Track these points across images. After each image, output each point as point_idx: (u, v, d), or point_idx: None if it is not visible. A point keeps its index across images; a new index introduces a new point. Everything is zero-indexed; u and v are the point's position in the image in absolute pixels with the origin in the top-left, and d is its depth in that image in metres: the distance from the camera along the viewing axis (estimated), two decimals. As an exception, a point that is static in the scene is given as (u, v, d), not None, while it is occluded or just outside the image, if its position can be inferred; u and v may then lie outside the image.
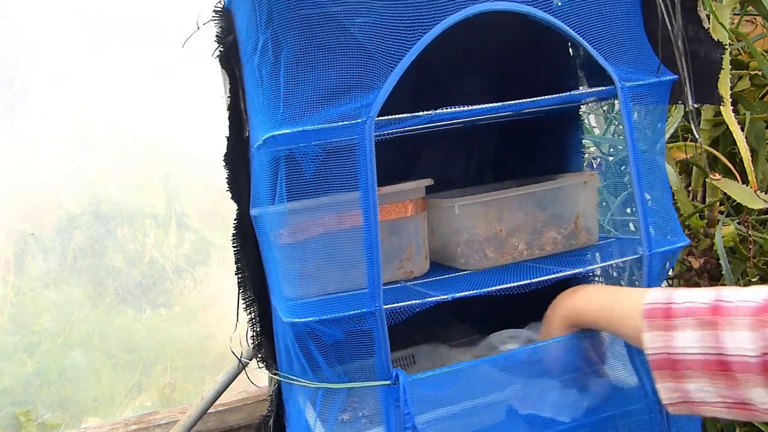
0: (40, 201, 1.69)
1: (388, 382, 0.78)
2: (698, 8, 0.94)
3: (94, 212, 1.75)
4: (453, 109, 0.81)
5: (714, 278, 1.40)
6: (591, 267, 0.98)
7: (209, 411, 1.42)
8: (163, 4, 1.70)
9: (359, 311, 0.77)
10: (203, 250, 1.90)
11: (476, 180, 1.36)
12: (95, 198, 1.75)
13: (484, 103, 0.83)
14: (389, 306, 0.78)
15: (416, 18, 0.77)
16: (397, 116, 0.79)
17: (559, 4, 0.84)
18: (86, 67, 1.71)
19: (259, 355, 1.10)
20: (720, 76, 0.97)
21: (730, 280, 1.18)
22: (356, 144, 0.75)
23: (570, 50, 1.16)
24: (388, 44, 0.76)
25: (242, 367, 1.27)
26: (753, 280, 1.33)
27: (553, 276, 0.88)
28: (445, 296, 0.82)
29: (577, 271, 0.90)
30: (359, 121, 0.75)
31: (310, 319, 0.77)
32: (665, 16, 0.90)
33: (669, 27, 0.91)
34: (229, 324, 1.09)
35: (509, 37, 1.21)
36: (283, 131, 0.76)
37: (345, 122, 0.75)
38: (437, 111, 0.81)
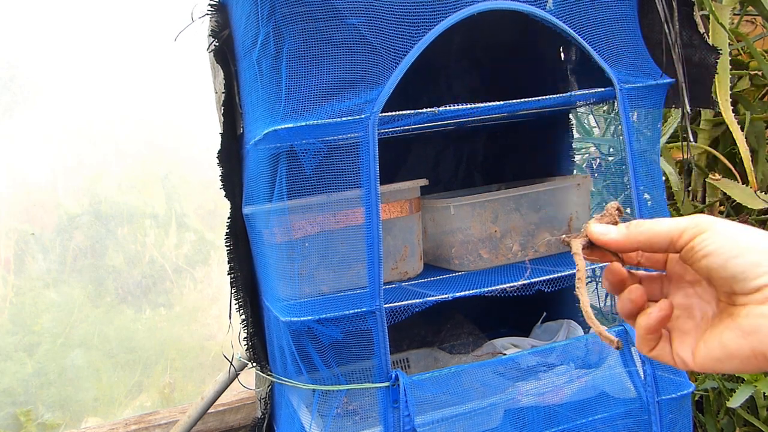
0: (40, 201, 1.69)
1: (387, 383, 0.78)
2: (694, 13, 0.94)
3: (94, 212, 1.75)
4: (456, 107, 0.81)
5: (714, 278, 1.39)
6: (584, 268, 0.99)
7: (209, 411, 1.42)
8: (166, 5, 1.70)
9: (359, 310, 0.76)
10: (203, 250, 1.90)
11: (465, 182, 1.36)
12: (95, 198, 1.75)
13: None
14: (389, 305, 0.78)
15: (421, 14, 0.77)
16: (400, 113, 0.79)
17: (552, 7, 0.84)
18: (86, 67, 1.71)
19: (253, 356, 1.09)
20: (716, 79, 0.97)
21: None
22: (359, 140, 0.75)
23: (561, 54, 1.16)
24: (393, 40, 0.76)
25: (236, 373, 1.26)
26: (753, 280, 1.33)
27: (548, 277, 0.88)
28: (445, 296, 0.81)
29: (570, 272, 0.90)
30: (363, 116, 0.75)
31: (308, 318, 0.77)
32: (663, 21, 0.90)
33: (666, 32, 0.91)
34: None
35: (500, 41, 1.21)
36: (286, 125, 0.75)
37: (348, 117, 0.75)
38: (441, 108, 0.81)
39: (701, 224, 0.43)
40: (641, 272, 0.50)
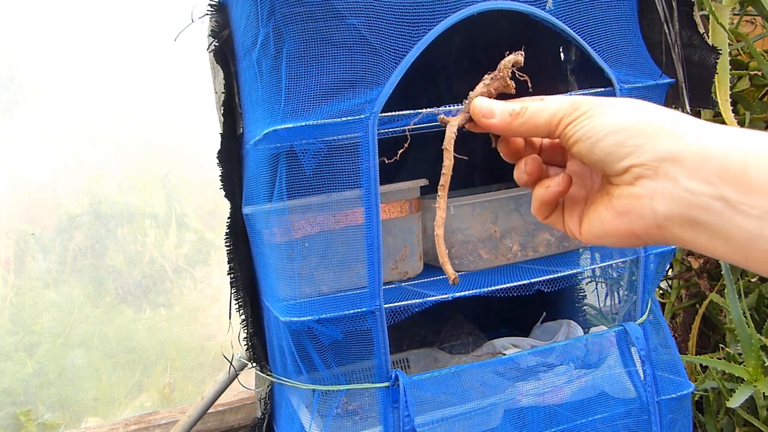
0: (40, 201, 1.69)
1: (387, 383, 0.78)
2: (694, 13, 0.94)
3: (94, 212, 1.75)
4: (456, 107, 0.81)
5: (713, 278, 1.40)
6: (584, 268, 0.99)
7: (209, 411, 1.42)
8: (166, 5, 1.70)
9: (359, 310, 0.76)
10: (203, 250, 1.90)
11: (465, 182, 1.36)
12: (95, 198, 1.75)
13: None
14: (389, 305, 0.78)
15: (421, 14, 0.77)
16: (400, 113, 0.79)
17: (552, 7, 0.84)
18: (86, 67, 1.71)
19: (253, 356, 1.09)
20: (716, 79, 0.97)
21: (730, 280, 1.18)
22: (359, 140, 0.75)
23: (561, 54, 1.16)
24: (393, 40, 0.76)
25: (236, 373, 1.26)
26: (753, 279, 1.33)
27: (548, 277, 0.88)
28: (445, 296, 0.82)
29: (570, 272, 0.90)
30: (362, 117, 0.75)
31: (308, 318, 0.77)
32: (663, 21, 0.90)
33: (666, 31, 0.91)
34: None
35: (500, 41, 1.21)
36: (286, 125, 0.75)
37: (348, 118, 0.75)
38: (441, 108, 0.81)
39: (579, 108, 0.42)
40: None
